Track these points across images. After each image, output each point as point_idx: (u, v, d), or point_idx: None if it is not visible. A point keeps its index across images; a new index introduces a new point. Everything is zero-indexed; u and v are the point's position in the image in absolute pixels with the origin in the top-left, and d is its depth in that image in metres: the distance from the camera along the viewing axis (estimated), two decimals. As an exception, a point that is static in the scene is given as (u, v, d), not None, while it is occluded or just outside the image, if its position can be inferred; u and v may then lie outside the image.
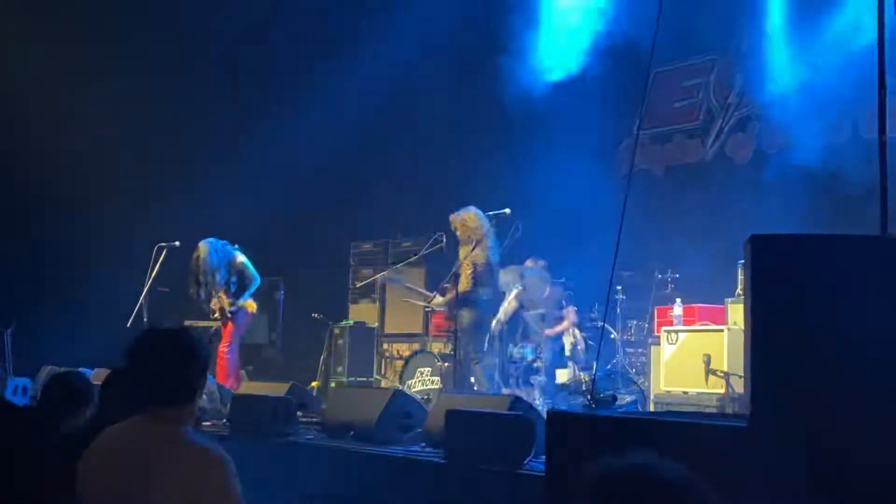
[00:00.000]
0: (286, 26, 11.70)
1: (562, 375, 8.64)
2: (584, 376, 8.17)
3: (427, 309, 10.08)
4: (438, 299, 8.47)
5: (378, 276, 10.67)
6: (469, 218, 8.25)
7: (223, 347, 9.01)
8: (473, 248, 8.13)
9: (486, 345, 8.13)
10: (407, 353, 9.68)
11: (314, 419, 7.35)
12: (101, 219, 11.34)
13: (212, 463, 2.65)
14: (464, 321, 8.19)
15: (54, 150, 11.61)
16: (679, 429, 3.74)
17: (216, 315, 9.06)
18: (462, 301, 8.14)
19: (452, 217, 8.38)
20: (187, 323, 9.11)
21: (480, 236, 8.18)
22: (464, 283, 8.08)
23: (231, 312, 8.97)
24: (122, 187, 11.33)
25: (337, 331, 10.66)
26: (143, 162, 11.44)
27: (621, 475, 1.62)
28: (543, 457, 4.56)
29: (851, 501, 3.09)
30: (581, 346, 8.72)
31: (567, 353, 8.78)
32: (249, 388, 8.04)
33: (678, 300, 8.61)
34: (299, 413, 7.30)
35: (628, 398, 7.78)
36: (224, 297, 8.97)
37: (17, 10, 11.33)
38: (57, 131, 11.42)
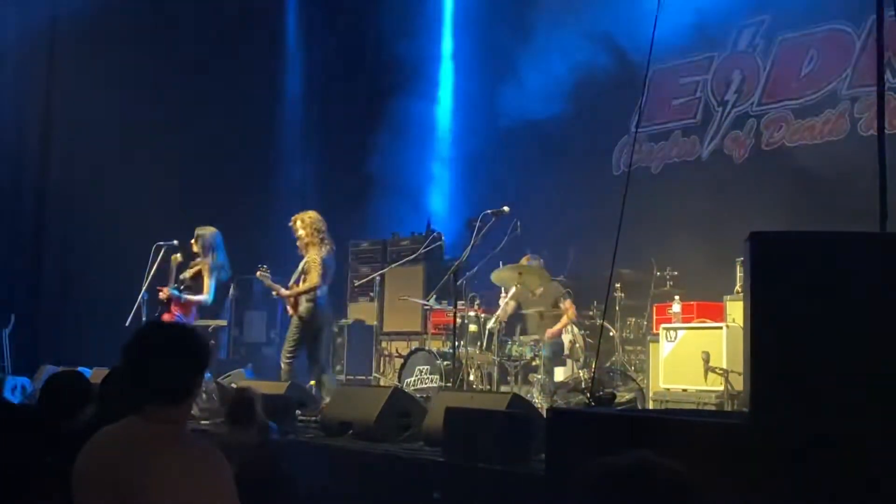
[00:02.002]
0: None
1: (560, 373, 8.64)
2: (583, 374, 8.17)
3: (426, 307, 10.08)
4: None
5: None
6: (314, 219, 8.76)
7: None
8: (320, 248, 8.64)
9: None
10: (406, 352, 9.67)
11: (313, 417, 7.36)
12: (100, 218, 11.33)
13: (207, 462, 2.64)
14: (307, 316, 8.59)
15: (57, 151, 11.64)
16: (678, 426, 3.74)
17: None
18: (309, 298, 8.60)
19: (298, 217, 8.82)
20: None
21: (324, 236, 8.71)
22: (314, 280, 8.52)
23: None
24: (121, 186, 11.33)
25: (336, 329, 10.66)
26: (142, 161, 11.43)
27: (619, 474, 1.62)
28: (543, 455, 4.56)
29: (850, 499, 3.09)
30: (580, 344, 8.71)
31: (566, 351, 8.78)
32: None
33: (677, 297, 8.61)
34: (298, 411, 7.30)
35: (627, 396, 7.78)
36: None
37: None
38: (54, 132, 11.43)
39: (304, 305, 8.56)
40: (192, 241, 8.94)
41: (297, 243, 8.79)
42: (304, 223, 8.73)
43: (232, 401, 4.95)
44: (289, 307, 8.73)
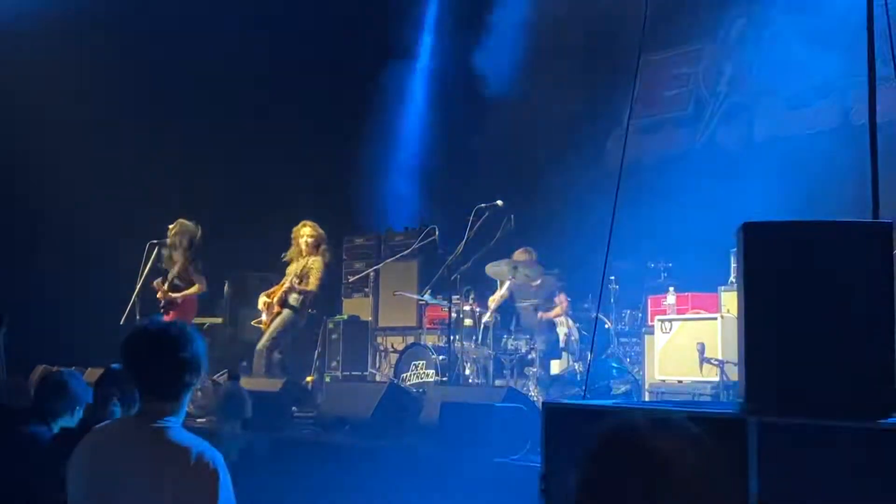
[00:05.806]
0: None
1: (556, 366, 8.65)
2: (578, 367, 8.18)
3: (421, 302, 10.09)
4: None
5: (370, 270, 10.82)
6: (316, 225, 8.97)
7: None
8: (325, 255, 8.90)
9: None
10: (401, 347, 9.67)
11: (309, 414, 7.36)
12: (93, 217, 11.30)
13: (202, 461, 2.63)
14: (304, 319, 8.80)
15: (50, 150, 11.59)
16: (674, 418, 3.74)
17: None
18: (303, 301, 8.75)
19: (308, 224, 8.97)
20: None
21: (324, 242, 8.95)
22: (313, 283, 8.70)
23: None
24: (114, 185, 11.31)
25: (331, 325, 10.65)
26: (138, 160, 11.41)
27: (634, 429, 1.63)
28: (539, 448, 4.56)
29: (845, 490, 3.10)
30: (575, 337, 8.72)
31: (561, 343, 8.79)
32: (244, 383, 8.02)
33: (671, 289, 8.62)
34: (294, 408, 7.31)
35: (623, 388, 7.79)
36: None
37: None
38: (53, 132, 11.40)
39: (298, 306, 8.65)
40: (172, 237, 8.88)
41: (299, 248, 8.80)
42: (306, 231, 8.87)
43: None
44: (274, 307, 8.65)
